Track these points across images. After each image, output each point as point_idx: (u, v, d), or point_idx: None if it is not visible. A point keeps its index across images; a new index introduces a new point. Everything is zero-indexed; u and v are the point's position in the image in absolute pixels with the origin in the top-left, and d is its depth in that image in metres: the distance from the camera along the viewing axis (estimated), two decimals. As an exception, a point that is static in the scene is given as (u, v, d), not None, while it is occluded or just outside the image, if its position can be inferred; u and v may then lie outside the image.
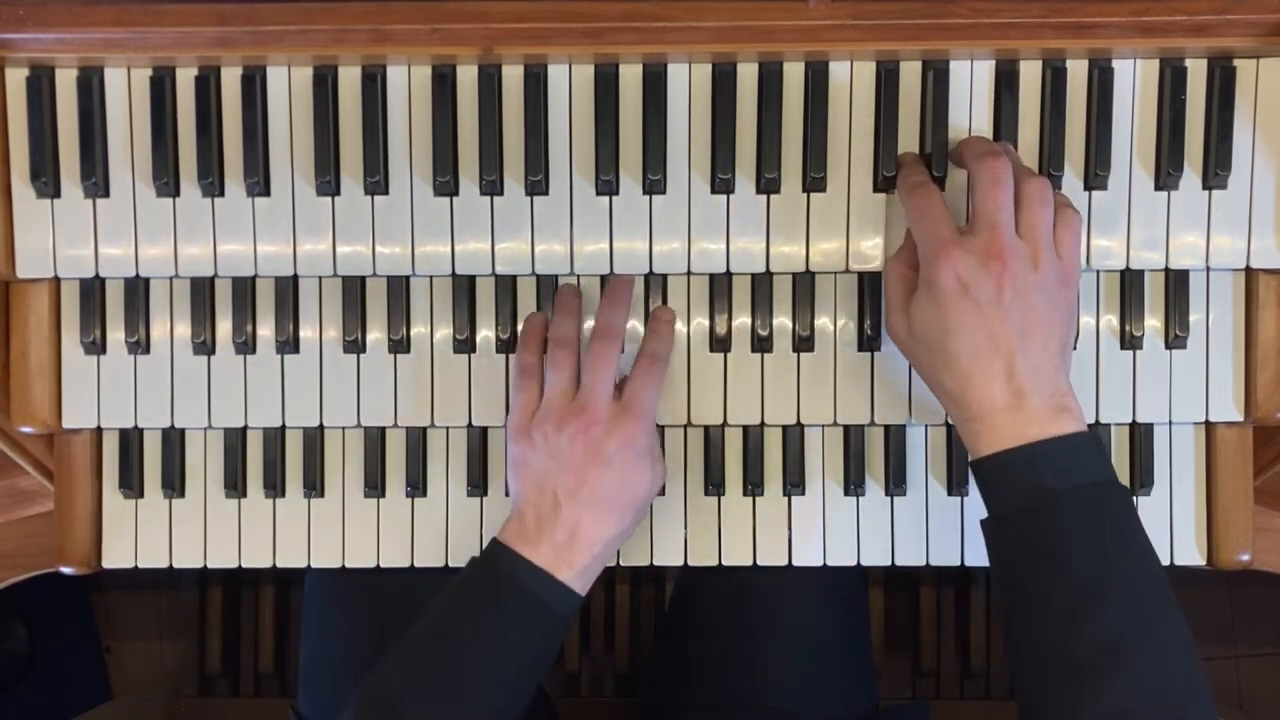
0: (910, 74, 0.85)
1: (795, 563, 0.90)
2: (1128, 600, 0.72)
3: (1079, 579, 0.73)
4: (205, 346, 0.89)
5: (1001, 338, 0.76)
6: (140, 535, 0.92)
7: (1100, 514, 0.75)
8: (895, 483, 0.90)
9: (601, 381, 0.83)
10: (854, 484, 0.90)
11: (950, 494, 0.90)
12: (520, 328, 0.88)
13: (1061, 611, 0.72)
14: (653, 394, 0.84)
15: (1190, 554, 0.90)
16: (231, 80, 0.86)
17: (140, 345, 0.89)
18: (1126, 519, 0.76)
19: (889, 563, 0.90)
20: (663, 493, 0.90)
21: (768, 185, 0.85)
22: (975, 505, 0.90)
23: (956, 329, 0.77)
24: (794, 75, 0.85)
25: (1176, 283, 0.87)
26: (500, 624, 0.81)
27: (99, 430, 0.91)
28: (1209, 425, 0.89)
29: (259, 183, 0.86)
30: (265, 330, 0.89)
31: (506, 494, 0.90)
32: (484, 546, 0.92)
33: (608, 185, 0.85)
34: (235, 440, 0.91)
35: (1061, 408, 0.76)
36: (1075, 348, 0.87)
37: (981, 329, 0.76)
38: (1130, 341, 0.88)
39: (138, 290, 0.89)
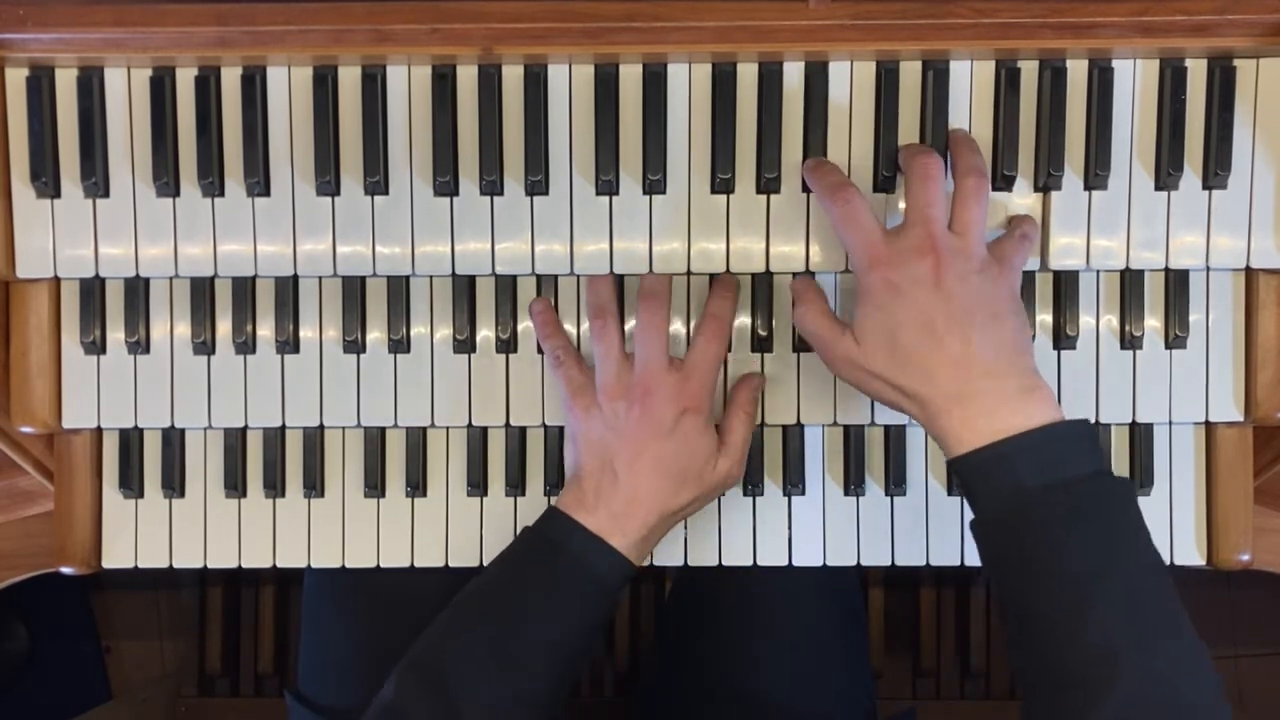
0: (910, 74, 0.84)
1: (795, 563, 0.90)
2: (1119, 604, 0.68)
3: (1064, 585, 0.69)
4: (205, 346, 0.89)
5: (947, 320, 0.74)
6: (140, 535, 0.92)
7: (1083, 511, 0.70)
8: (895, 483, 0.90)
9: (654, 347, 0.82)
10: (854, 484, 0.90)
11: (950, 494, 0.90)
12: (533, 316, 0.87)
13: (1051, 619, 0.69)
14: (714, 356, 0.83)
15: (1190, 554, 0.90)
16: (231, 80, 0.86)
17: (140, 345, 0.89)
18: (1114, 512, 0.72)
19: (889, 563, 0.90)
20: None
21: (768, 185, 0.85)
22: (975, 505, 0.90)
23: (902, 324, 0.75)
24: (794, 75, 0.85)
25: (1176, 283, 0.87)
26: (548, 586, 0.79)
27: (99, 430, 0.91)
28: (1209, 425, 0.89)
29: (259, 183, 0.86)
30: (265, 330, 0.89)
31: (506, 494, 0.90)
32: (483, 546, 0.92)
33: (608, 185, 0.85)
34: (235, 440, 0.91)
35: (1030, 387, 0.74)
36: (1074, 348, 0.87)
37: (923, 316, 0.74)
38: (1130, 341, 0.88)
39: (138, 290, 0.89)
